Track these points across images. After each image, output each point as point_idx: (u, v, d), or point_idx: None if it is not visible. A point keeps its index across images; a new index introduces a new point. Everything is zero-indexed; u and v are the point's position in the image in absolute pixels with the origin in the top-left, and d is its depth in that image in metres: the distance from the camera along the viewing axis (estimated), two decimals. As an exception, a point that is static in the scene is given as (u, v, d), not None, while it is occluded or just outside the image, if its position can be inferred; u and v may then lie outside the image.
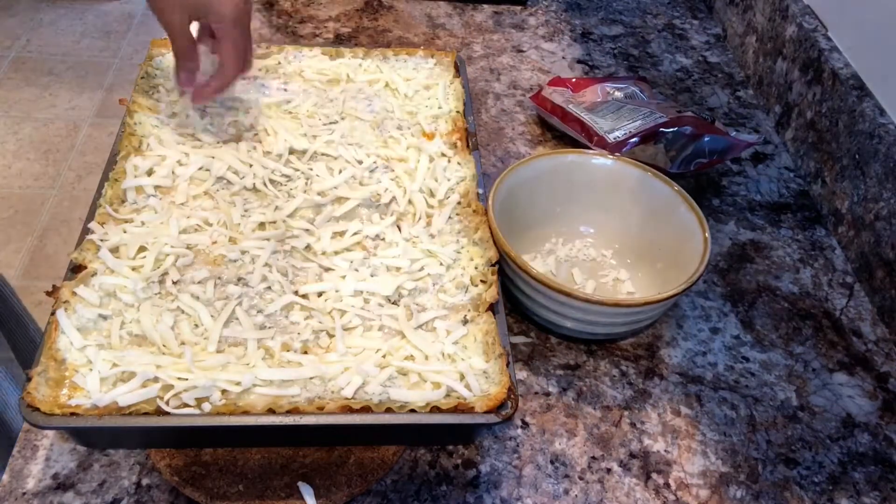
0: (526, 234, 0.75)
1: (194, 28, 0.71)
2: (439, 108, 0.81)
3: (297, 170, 0.72)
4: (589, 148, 0.84)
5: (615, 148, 0.82)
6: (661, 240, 0.73)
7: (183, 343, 0.57)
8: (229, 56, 0.70)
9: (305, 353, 0.58)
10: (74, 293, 0.58)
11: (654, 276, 0.72)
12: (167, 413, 0.52)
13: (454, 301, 0.63)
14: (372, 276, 0.64)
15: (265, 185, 0.70)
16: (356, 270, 0.64)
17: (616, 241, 0.77)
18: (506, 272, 0.67)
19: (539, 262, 0.75)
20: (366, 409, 0.53)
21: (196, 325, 0.59)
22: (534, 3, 1.18)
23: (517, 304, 0.71)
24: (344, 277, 0.63)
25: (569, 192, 0.76)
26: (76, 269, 0.60)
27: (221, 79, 0.71)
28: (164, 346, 0.57)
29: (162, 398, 0.52)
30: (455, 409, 0.54)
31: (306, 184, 0.71)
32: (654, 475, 0.62)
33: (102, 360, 0.54)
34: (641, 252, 0.75)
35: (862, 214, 0.80)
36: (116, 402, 0.51)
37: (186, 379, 0.53)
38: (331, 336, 0.59)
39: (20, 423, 0.76)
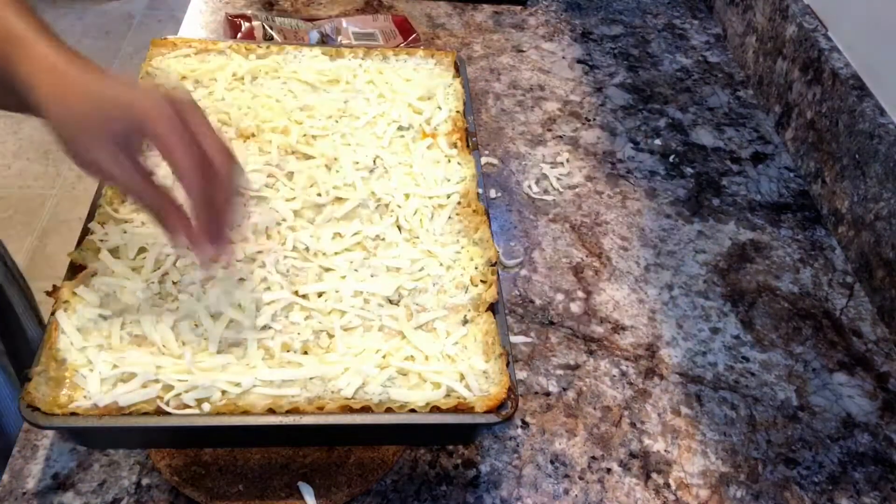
0: None
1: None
2: (439, 108, 0.81)
3: (297, 169, 0.72)
4: None
5: None
6: None
7: (183, 344, 0.57)
8: (184, 165, 0.51)
9: (305, 353, 0.58)
10: (74, 293, 0.58)
11: None
12: (167, 413, 0.52)
13: (454, 301, 0.63)
14: (372, 276, 0.64)
15: (265, 185, 0.70)
16: (356, 271, 0.64)
17: None
18: None
19: None
20: (366, 409, 0.53)
21: (196, 326, 0.59)
22: (534, 3, 1.18)
23: None
24: (344, 278, 0.63)
25: None
26: (76, 269, 0.60)
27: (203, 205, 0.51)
28: (164, 346, 0.57)
29: (162, 398, 0.52)
30: (455, 409, 0.54)
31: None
32: (654, 475, 0.62)
33: (103, 360, 0.54)
34: None
35: (862, 214, 0.80)
36: (117, 403, 0.51)
37: (186, 380, 0.53)
38: (331, 336, 0.59)
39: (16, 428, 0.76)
